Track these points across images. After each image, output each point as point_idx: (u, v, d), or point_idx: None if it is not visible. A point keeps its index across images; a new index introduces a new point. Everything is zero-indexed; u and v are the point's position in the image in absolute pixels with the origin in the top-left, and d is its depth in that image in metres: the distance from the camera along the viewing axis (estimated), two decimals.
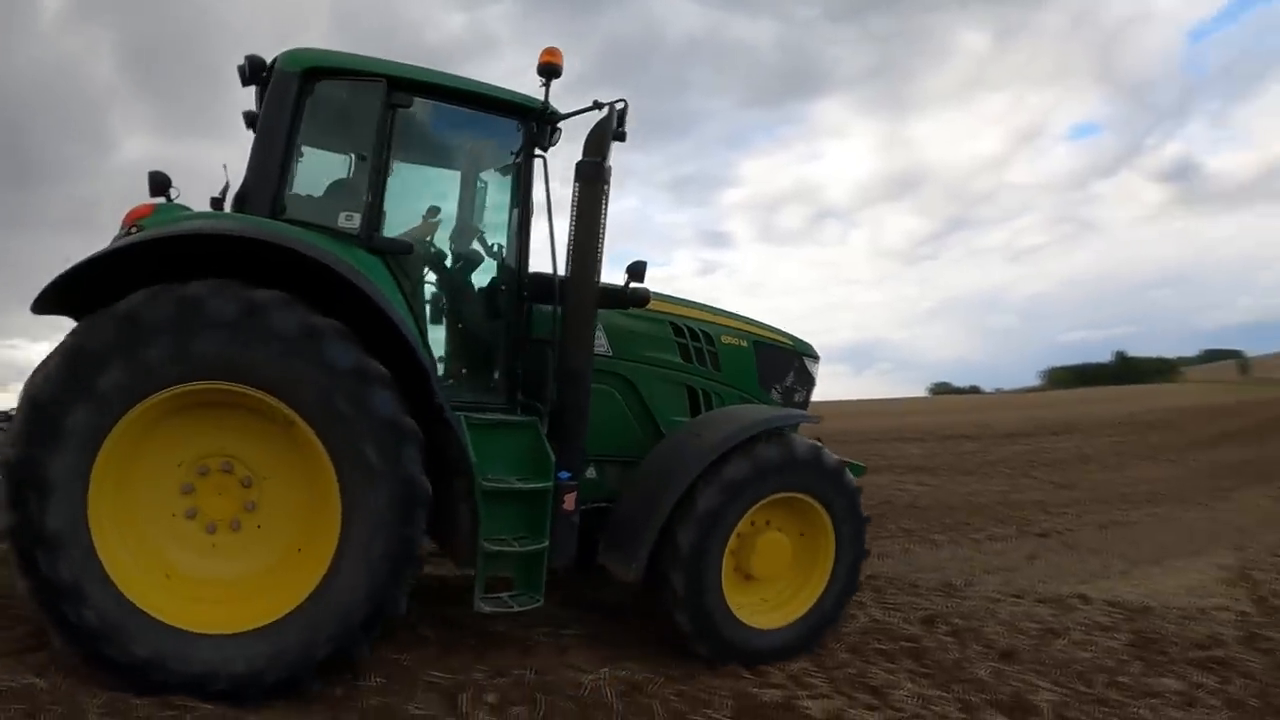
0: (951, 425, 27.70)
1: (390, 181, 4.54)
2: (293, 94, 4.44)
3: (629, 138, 4.65)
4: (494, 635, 5.38)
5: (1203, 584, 8.50)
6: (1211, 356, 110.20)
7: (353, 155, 4.90)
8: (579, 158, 4.77)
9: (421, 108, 4.70)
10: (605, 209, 4.74)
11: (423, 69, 4.68)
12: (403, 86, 4.56)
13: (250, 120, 4.84)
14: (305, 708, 3.95)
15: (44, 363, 3.65)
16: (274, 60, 4.54)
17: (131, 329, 3.63)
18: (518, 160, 4.99)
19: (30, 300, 3.74)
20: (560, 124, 5.03)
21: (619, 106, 4.76)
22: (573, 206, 4.74)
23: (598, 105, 4.88)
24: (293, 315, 3.82)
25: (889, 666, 5.54)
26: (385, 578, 4.01)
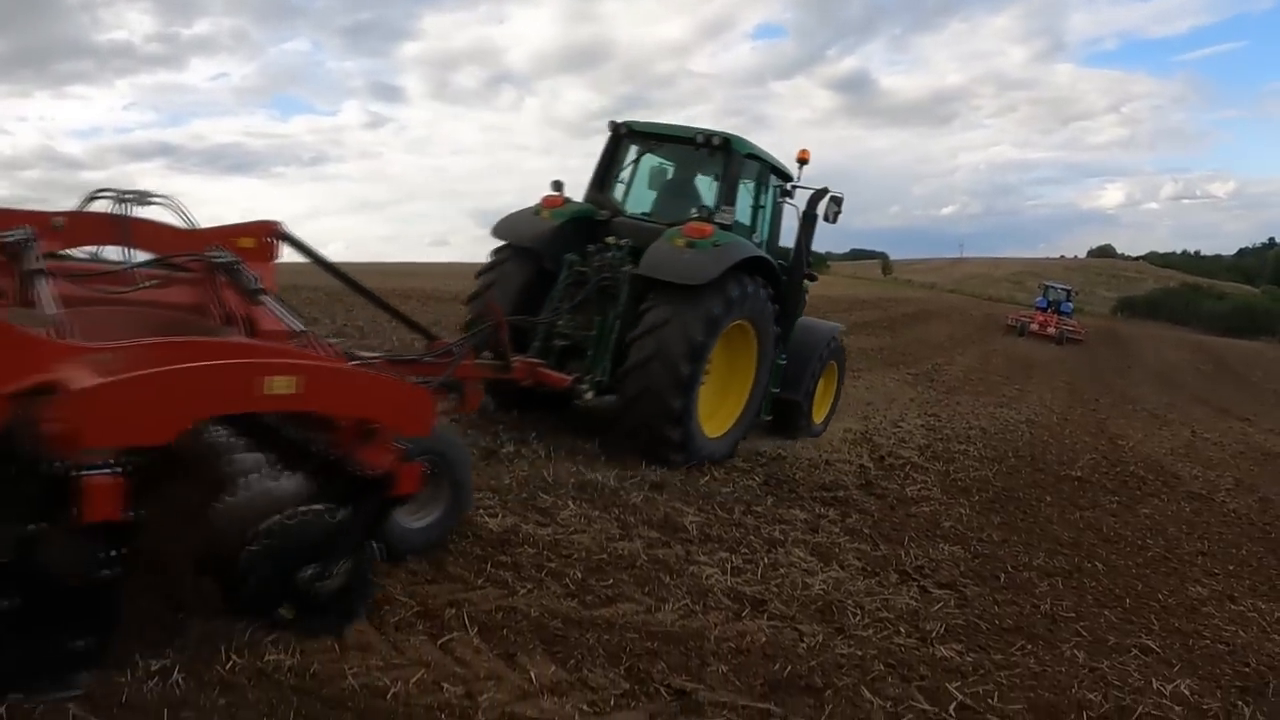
0: None
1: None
2: (739, 165, 8.63)
3: None
4: None
5: (830, 443, 10.40)
6: (858, 255, 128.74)
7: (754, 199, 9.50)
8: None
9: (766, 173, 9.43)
10: (812, 237, 9.53)
11: (769, 154, 9.23)
12: (771, 169, 9.37)
13: (613, 127, 9.10)
14: None
15: (686, 319, 7.46)
16: (726, 139, 8.52)
17: (726, 300, 7.69)
18: (779, 200, 9.80)
19: None
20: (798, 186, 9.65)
21: (840, 195, 9.25)
22: (798, 232, 9.59)
23: (825, 189, 9.28)
24: (756, 283, 8.20)
25: (557, 494, 6.42)
26: (759, 406, 9.00)
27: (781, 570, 5.52)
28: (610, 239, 8.33)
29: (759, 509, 6.92)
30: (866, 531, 6.80)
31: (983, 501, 8.68)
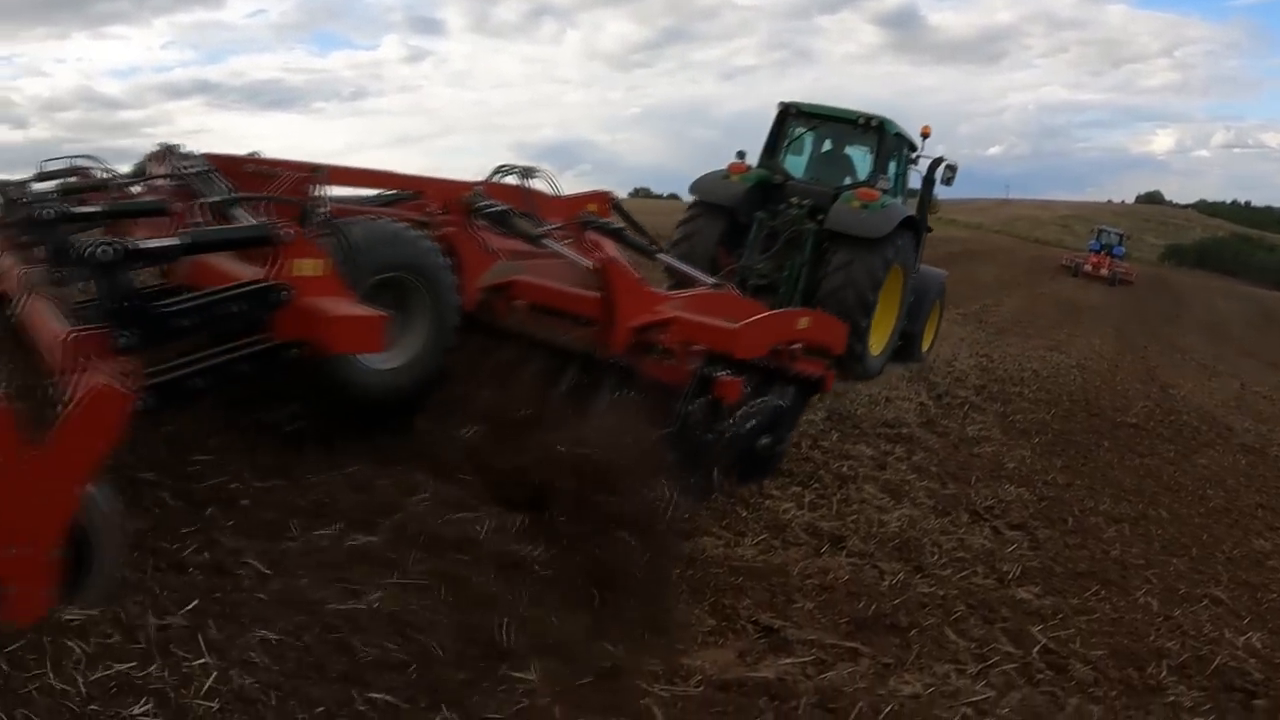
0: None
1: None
2: (891, 141, 10.20)
3: None
4: None
5: (888, 380, 10.20)
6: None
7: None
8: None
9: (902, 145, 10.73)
10: (931, 197, 11.30)
11: (905, 130, 10.56)
12: (906, 142, 10.68)
13: (781, 106, 10.59)
14: None
15: (867, 263, 9.07)
16: (881, 121, 10.05)
17: (892, 249, 9.27)
18: (908, 165, 11.05)
19: None
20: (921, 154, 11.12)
21: (954, 163, 10.80)
22: (920, 192, 11.23)
23: (942, 158, 10.91)
24: (907, 236, 9.75)
25: None
26: (899, 333, 10.52)
27: (855, 506, 5.42)
28: (794, 199, 9.97)
29: (825, 444, 6.79)
30: (933, 470, 6.67)
31: (1043, 444, 8.51)
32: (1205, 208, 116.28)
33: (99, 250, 3.03)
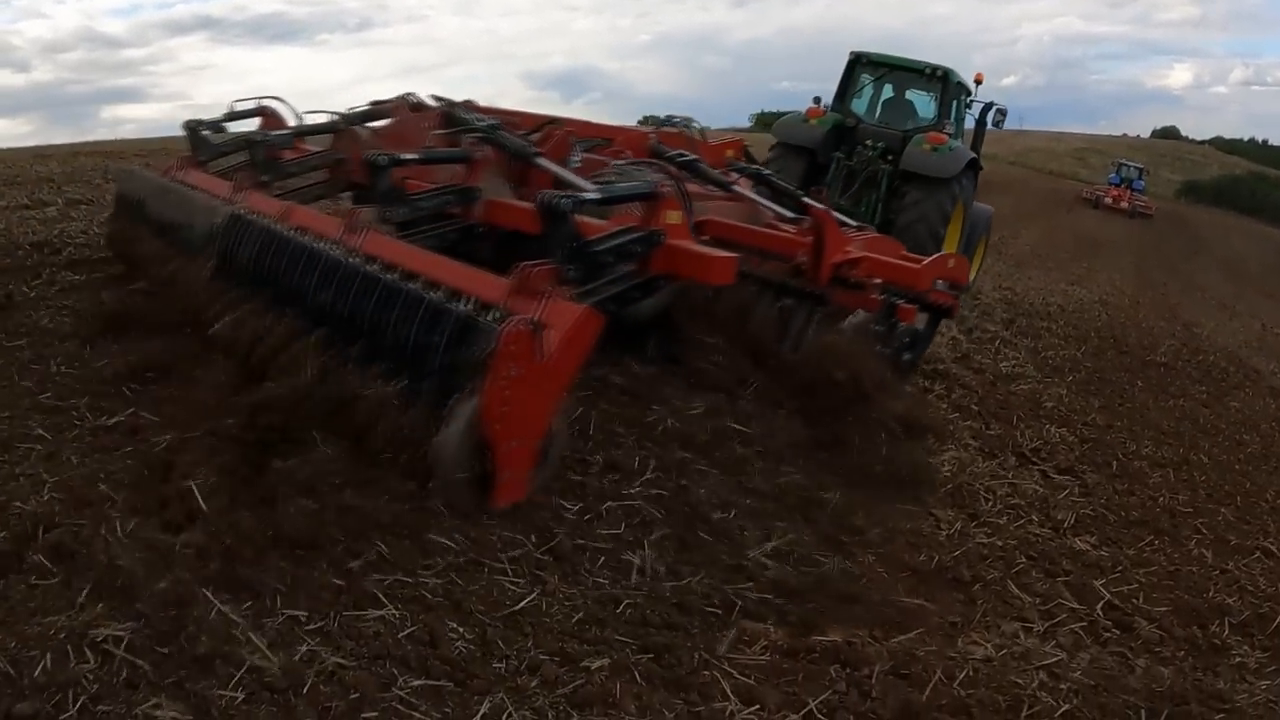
0: None
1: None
2: (953, 89, 11.01)
3: None
4: None
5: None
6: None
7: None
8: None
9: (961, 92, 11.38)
10: (983, 138, 11.79)
11: (964, 78, 11.36)
12: (960, 88, 11.25)
13: (852, 56, 11.39)
14: None
15: (938, 200, 9.92)
16: (946, 71, 10.93)
17: (958, 188, 10.10)
18: (963, 109, 11.64)
19: None
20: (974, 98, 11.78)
21: (1004, 107, 11.64)
22: (973, 133, 11.72)
23: (993, 103, 11.70)
24: (969, 176, 10.55)
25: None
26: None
27: None
28: (867, 142, 10.86)
29: None
30: (975, 409, 6.40)
31: (1077, 382, 8.23)
32: (1222, 144, 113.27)
33: (560, 201, 3.65)
